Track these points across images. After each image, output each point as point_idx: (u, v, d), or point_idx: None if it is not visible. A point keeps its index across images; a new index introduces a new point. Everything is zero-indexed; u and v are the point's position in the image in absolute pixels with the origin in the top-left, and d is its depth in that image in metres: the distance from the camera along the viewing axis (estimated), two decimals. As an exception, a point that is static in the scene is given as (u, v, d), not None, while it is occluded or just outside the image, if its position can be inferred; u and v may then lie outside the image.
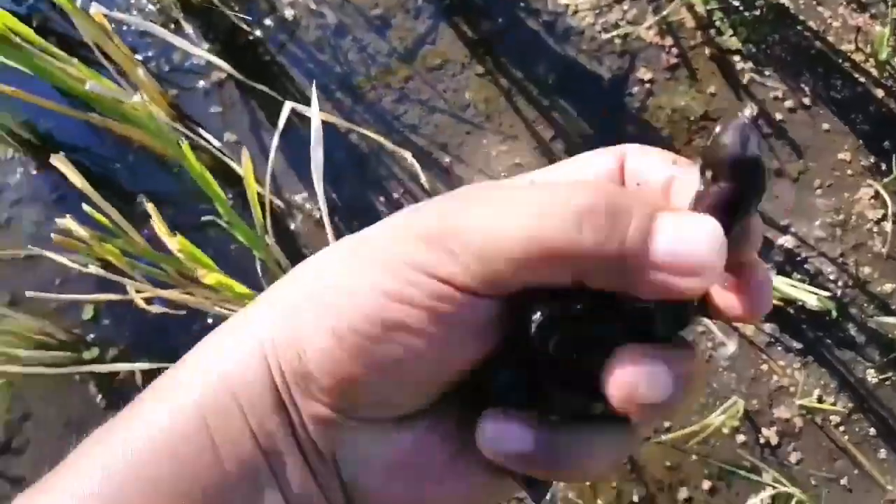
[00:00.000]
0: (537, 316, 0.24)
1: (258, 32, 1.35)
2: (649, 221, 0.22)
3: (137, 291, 0.78)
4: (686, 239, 0.22)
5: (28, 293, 0.75)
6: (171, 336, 1.19)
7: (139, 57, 1.34)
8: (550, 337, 0.24)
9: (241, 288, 0.78)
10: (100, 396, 1.21)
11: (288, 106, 0.96)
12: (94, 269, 0.68)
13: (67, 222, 0.66)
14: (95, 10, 0.88)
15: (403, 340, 0.23)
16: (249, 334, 0.25)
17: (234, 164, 1.14)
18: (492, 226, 0.23)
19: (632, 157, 0.27)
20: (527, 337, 0.24)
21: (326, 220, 0.81)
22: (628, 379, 0.22)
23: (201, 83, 1.32)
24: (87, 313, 1.24)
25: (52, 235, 0.66)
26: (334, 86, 1.32)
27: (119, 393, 1.20)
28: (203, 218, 0.88)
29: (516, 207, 0.23)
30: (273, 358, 0.24)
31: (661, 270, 0.22)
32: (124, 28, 1.36)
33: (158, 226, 0.68)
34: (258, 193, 0.91)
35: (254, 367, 0.24)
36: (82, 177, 0.68)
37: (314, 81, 1.00)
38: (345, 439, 0.25)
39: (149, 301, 0.80)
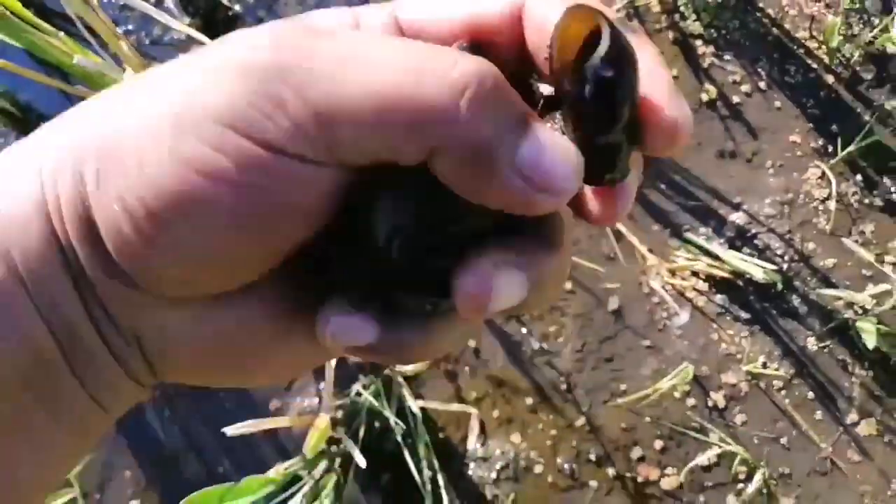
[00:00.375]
0: (380, 211, 0.21)
1: (237, 7, 1.38)
2: (526, 124, 0.20)
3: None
4: (555, 156, 0.20)
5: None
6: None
7: (120, 30, 1.36)
8: (394, 236, 0.21)
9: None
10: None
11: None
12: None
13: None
14: (80, -15, 0.92)
15: (208, 220, 0.19)
16: (30, 177, 0.20)
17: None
18: (347, 75, 0.19)
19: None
20: (367, 232, 0.21)
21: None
22: (478, 290, 0.20)
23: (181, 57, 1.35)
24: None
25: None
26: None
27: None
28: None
29: (386, 58, 0.19)
30: (56, 215, 0.20)
31: (519, 178, 0.20)
32: (105, 1, 1.38)
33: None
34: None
35: (35, 222, 0.20)
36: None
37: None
38: (146, 316, 0.21)
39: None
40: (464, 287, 0.20)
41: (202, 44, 1.27)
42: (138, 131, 0.19)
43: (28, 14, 0.90)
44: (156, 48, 1.36)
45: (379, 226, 0.21)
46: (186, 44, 1.35)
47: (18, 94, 1.33)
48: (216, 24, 1.37)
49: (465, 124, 0.19)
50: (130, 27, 1.37)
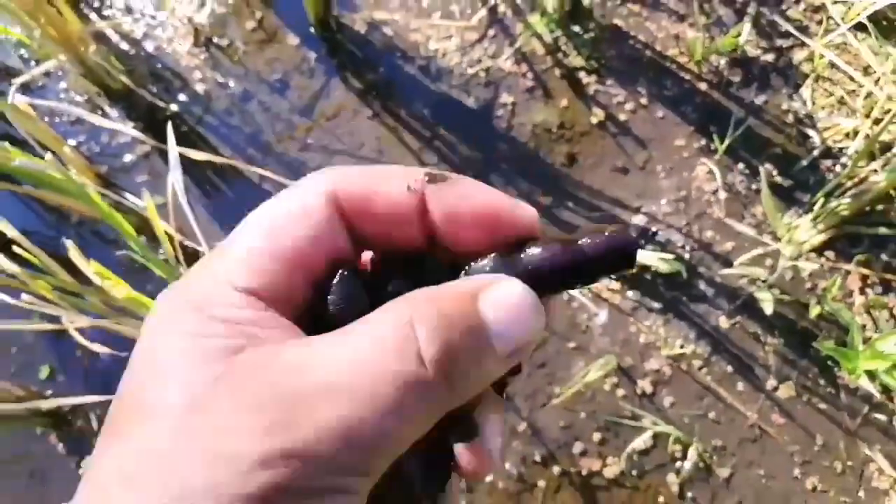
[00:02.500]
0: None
1: (174, 107, 1.55)
2: (478, 329, 0.24)
3: (72, 323, 0.94)
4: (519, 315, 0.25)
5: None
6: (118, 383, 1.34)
7: (72, 142, 1.53)
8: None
9: (152, 304, 0.95)
10: (60, 446, 1.35)
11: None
12: (27, 300, 0.84)
13: (-1, 262, 0.82)
14: (20, 100, 1.07)
15: None
16: None
17: (161, 224, 1.32)
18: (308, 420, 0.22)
19: (343, 187, 0.27)
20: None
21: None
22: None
23: (128, 157, 1.51)
24: (44, 373, 1.39)
25: (-11, 275, 0.83)
26: (246, 143, 1.51)
27: (77, 441, 1.34)
28: (118, 253, 1.03)
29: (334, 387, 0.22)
30: None
31: (513, 356, 0.25)
32: (57, 120, 1.55)
33: (74, 254, 0.85)
34: (169, 234, 1.09)
35: None
36: (13, 227, 0.85)
37: (169, 121, 1.18)
38: None
39: (82, 331, 0.96)
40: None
41: (146, 143, 1.43)
42: None
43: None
44: (106, 152, 1.52)
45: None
46: (132, 145, 1.51)
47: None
48: (155, 124, 1.53)
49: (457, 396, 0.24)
50: (81, 138, 1.54)
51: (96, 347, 1.10)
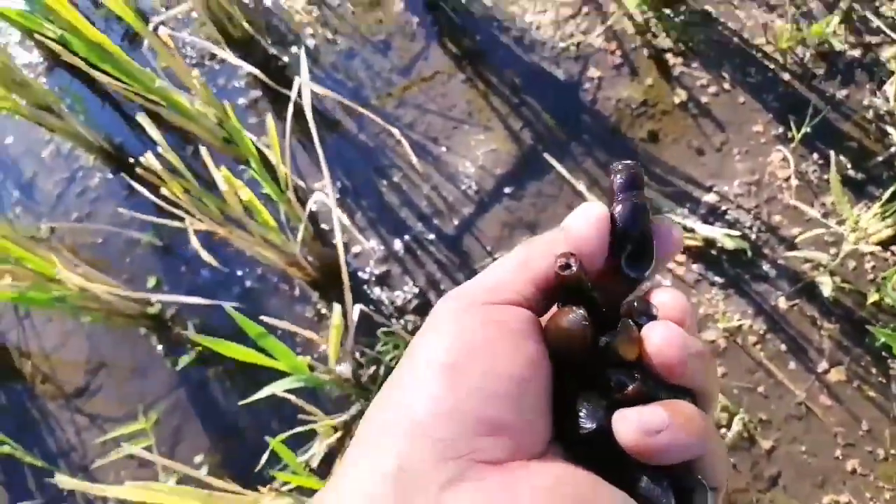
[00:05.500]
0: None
1: (286, 59, 1.68)
2: None
3: (191, 225, 1.08)
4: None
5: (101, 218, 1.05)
6: (217, 296, 1.49)
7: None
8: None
9: (267, 216, 1.08)
10: (160, 347, 1.52)
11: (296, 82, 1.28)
12: (157, 197, 0.97)
13: (148, 158, 0.96)
14: (163, 31, 1.21)
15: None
16: None
17: (269, 156, 1.46)
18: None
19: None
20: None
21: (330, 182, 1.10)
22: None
23: (241, 100, 1.66)
24: (151, 283, 1.56)
25: (137, 170, 0.97)
26: (348, 97, 1.63)
27: (175, 344, 1.51)
28: (240, 168, 1.16)
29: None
30: None
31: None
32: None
33: (206, 158, 0.98)
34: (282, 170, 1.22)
35: None
36: (156, 129, 0.99)
37: (303, 52, 1.30)
38: None
39: (197, 233, 1.10)
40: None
41: (257, 89, 1.57)
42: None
43: (124, 55, 1.20)
44: (221, 94, 1.67)
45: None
46: (245, 90, 1.66)
47: (114, 137, 1.66)
48: (268, 73, 1.67)
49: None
50: (204, 79, 1.69)
51: (205, 255, 1.24)
